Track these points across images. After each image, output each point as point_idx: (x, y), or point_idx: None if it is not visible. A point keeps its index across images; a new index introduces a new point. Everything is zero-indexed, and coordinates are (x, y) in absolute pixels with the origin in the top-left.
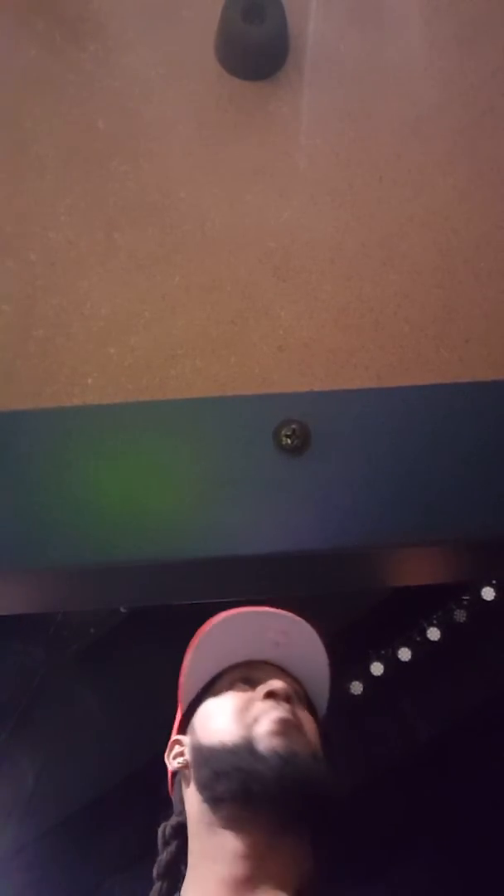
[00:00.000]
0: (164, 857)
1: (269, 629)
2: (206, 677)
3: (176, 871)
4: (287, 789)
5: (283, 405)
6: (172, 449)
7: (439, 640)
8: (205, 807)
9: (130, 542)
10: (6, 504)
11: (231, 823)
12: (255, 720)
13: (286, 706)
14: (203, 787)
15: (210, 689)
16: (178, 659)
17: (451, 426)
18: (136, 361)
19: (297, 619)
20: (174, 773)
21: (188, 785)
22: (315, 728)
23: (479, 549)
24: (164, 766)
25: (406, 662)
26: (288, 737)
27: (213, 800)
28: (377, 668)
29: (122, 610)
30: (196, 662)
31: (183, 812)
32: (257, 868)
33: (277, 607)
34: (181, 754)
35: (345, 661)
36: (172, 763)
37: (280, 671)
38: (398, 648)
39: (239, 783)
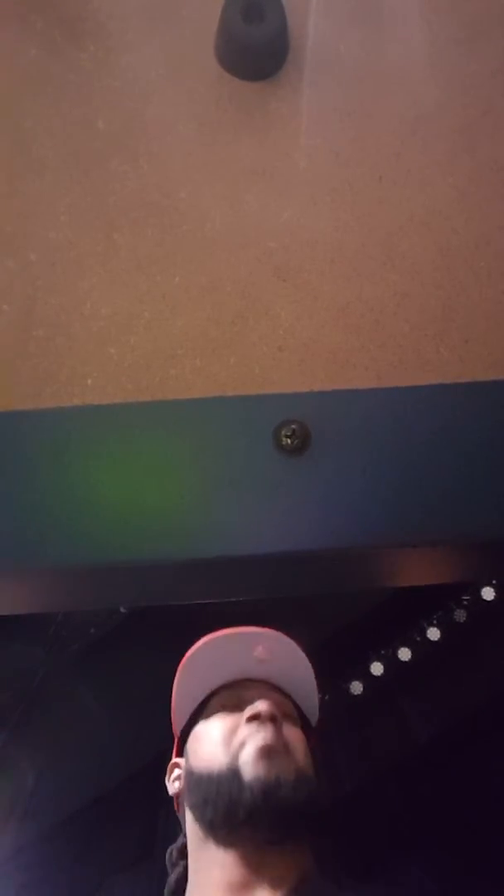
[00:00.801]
0: (172, 877)
1: (253, 647)
2: (197, 700)
3: (183, 889)
4: (270, 814)
5: (283, 405)
6: (172, 449)
7: (439, 640)
8: (197, 827)
9: (130, 542)
10: (6, 504)
11: (222, 841)
12: (241, 745)
13: (270, 727)
14: (195, 809)
15: (202, 711)
16: (177, 659)
17: (451, 426)
18: (136, 361)
19: (277, 634)
20: (177, 795)
21: (187, 807)
22: (303, 742)
23: (479, 549)
24: (166, 761)
25: (406, 662)
26: (271, 761)
27: (204, 822)
28: (377, 668)
29: (122, 610)
30: (184, 687)
31: (185, 833)
32: (252, 874)
33: (266, 619)
34: (179, 778)
35: (345, 661)
36: (172, 786)
37: (268, 687)
38: (398, 648)
39: (225, 810)
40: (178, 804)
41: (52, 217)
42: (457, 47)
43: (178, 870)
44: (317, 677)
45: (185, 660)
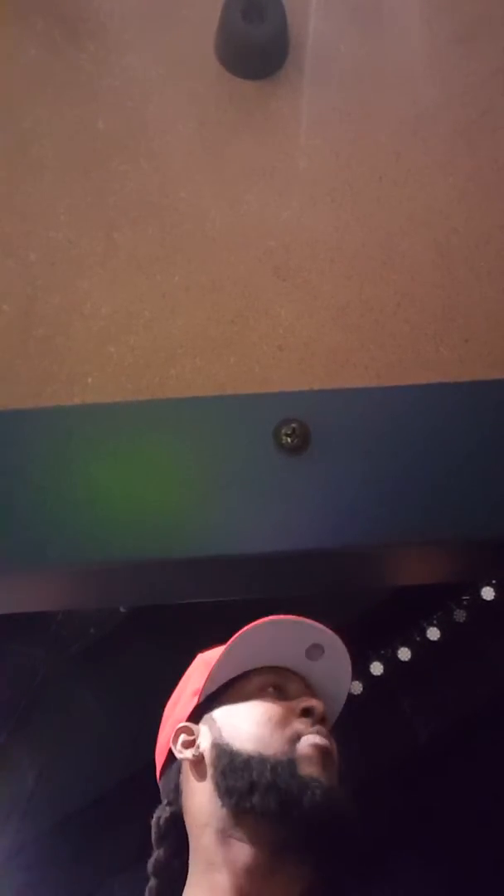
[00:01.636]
0: (160, 853)
1: (307, 641)
2: (234, 673)
3: (170, 869)
4: (320, 826)
5: (283, 405)
6: (172, 449)
7: (439, 640)
8: (223, 812)
9: (130, 542)
10: (6, 504)
11: (248, 835)
12: (296, 738)
13: (322, 729)
14: (230, 794)
15: (233, 686)
16: (177, 659)
17: (451, 426)
18: (136, 361)
19: (335, 636)
20: (172, 759)
21: (199, 780)
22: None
23: (479, 549)
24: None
25: (406, 662)
26: (327, 769)
27: (238, 808)
28: (377, 668)
29: (122, 610)
30: (230, 657)
31: (178, 802)
32: (266, 882)
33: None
34: (192, 744)
35: None
36: (183, 752)
37: (305, 686)
38: (398, 648)
39: (276, 803)
40: (164, 771)
41: (52, 217)
42: (457, 47)
43: (167, 845)
44: None
45: (245, 630)
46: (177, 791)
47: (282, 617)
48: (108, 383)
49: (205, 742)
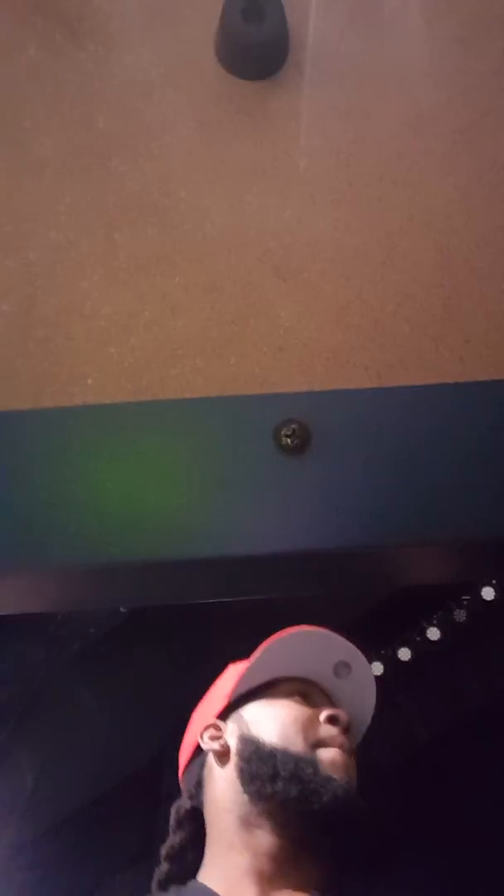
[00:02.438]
0: (175, 839)
1: (336, 657)
2: (264, 678)
3: (183, 856)
4: (339, 819)
5: (283, 405)
6: (172, 449)
7: (439, 640)
8: (244, 798)
9: (130, 542)
10: (6, 504)
11: (268, 822)
12: (321, 742)
13: (345, 742)
14: (253, 780)
15: (262, 690)
16: (177, 659)
17: (451, 426)
18: (136, 361)
19: (362, 656)
20: (196, 755)
21: (222, 767)
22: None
23: (479, 549)
24: (166, 761)
25: (406, 662)
26: (347, 773)
27: (261, 795)
28: (377, 668)
29: (122, 610)
30: (261, 662)
31: (199, 796)
32: (284, 867)
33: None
34: (218, 738)
35: None
36: (210, 743)
37: (330, 701)
38: (398, 648)
39: (298, 792)
40: (189, 767)
41: (52, 217)
42: (457, 47)
43: (183, 833)
44: None
45: (277, 636)
46: (199, 786)
47: (314, 628)
48: (108, 384)
49: (231, 736)
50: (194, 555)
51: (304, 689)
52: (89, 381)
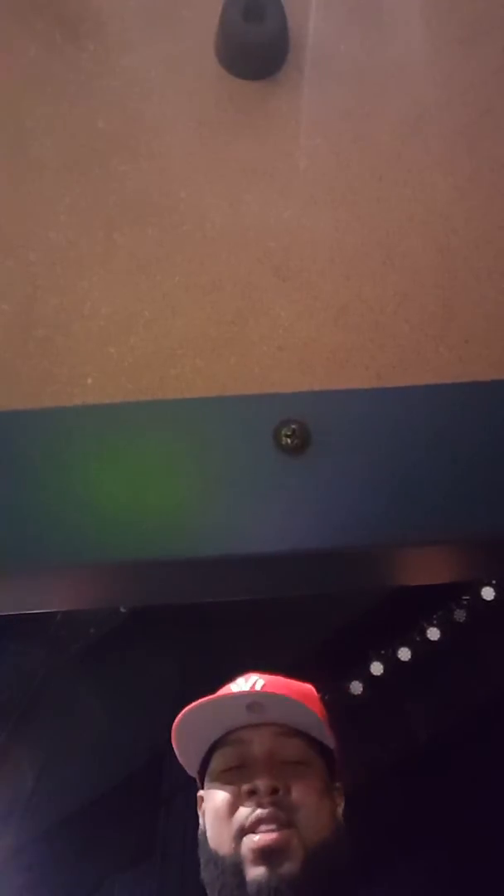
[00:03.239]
0: None
1: (241, 704)
2: (200, 753)
3: None
4: None
5: (283, 405)
6: (172, 449)
7: (439, 640)
8: (202, 877)
9: (130, 541)
10: (6, 504)
11: None
12: (242, 831)
13: (265, 814)
14: (204, 876)
15: (209, 760)
16: (177, 659)
17: (451, 426)
18: (136, 361)
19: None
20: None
21: (202, 859)
22: (317, 792)
23: (479, 549)
24: (163, 767)
25: (406, 662)
26: (271, 864)
27: (209, 889)
28: (377, 668)
29: (122, 610)
30: (182, 745)
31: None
32: None
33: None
34: (202, 811)
35: (345, 661)
36: (200, 818)
37: (272, 730)
38: (398, 648)
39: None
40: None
41: (52, 217)
42: (457, 47)
43: None
44: (318, 680)
45: (175, 725)
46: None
47: (202, 701)
48: (108, 384)
49: (202, 815)
50: (194, 555)
51: (234, 755)
52: (89, 381)
